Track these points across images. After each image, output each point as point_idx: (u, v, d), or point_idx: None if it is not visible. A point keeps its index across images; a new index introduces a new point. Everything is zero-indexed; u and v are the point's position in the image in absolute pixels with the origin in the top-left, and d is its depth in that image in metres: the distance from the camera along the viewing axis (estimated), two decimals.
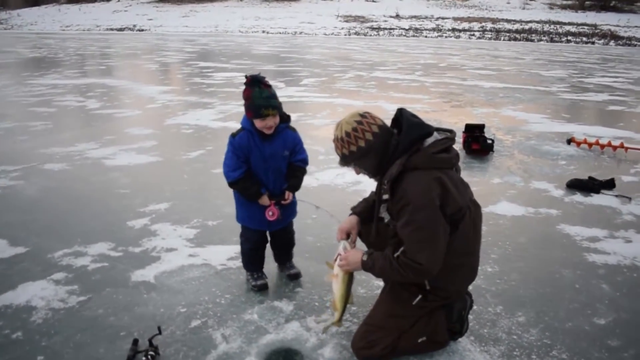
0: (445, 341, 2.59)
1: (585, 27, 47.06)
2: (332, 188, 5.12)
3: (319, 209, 3.25)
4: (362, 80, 13.88)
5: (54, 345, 2.61)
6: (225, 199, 4.59)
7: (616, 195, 4.98)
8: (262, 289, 3.12)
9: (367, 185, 5.09)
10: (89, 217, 4.24)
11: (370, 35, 45.87)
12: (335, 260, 2.62)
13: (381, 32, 48.18)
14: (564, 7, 48.04)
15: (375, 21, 53.78)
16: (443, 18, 55.31)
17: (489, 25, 49.38)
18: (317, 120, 8.42)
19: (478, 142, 6.58)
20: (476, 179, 5.50)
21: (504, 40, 42.99)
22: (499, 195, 4.98)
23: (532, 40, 42.42)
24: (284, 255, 3.36)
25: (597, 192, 5.08)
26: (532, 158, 6.42)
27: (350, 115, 2.39)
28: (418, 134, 2.32)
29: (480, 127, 6.83)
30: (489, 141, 6.56)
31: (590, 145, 6.86)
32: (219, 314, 2.88)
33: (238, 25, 51.77)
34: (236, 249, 3.64)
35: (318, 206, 3.26)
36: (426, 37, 45.69)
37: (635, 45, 38.91)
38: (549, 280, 3.36)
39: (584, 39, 42.60)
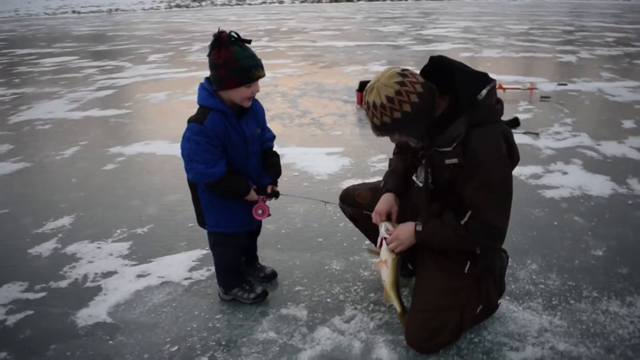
0: (497, 304, 2.36)
1: None
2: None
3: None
4: None
5: None
6: (141, 198, 3.86)
7: (524, 133, 5.19)
8: (264, 297, 2.56)
9: (310, 161, 4.64)
10: None
11: (194, 7, 43.78)
12: (380, 245, 2.21)
13: (204, 3, 46.33)
14: None
15: None
16: None
17: None
18: (192, 97, 7.57)
19: None
20: None
21: (326, 2, 44.17)
22: None
23: (352, 0, 44.20)
24: (253, 255, 2.82)
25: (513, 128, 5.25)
26: None
27: (388, 76, 1.94)
28: (479, 86, 1.97)
29: None
30: None
31: None
32: (224, 342, 2.28)
33: (42, 7, 45.64)
34: (191, 255, 3.05)
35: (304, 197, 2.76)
36: (250, 4, 45.09)
37: None
38: (528, 223, 3.31)
39: None
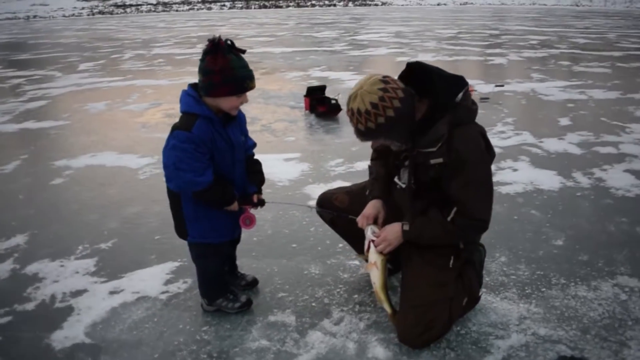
0: (479, 295, 2.46)
1: None
2: None
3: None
4: (147, 59, 12.65)
5: None
6: (99, 212, 3.72)
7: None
8: (248, 305, 2.52)
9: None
10: None
11: (118, 14, 42.31)
12: (368, 248, 2.24)
13: (128, 10, 44.90)
14: None
15: None
16: None
17: None
18: (134, 106, 7.33)
19: (324, 103, 6.52)
20: (347, 139, 5.44)
21: (254, 8, 44.05)
22: None
23: (280, 7, 44.35)
24: (234, 263, 2.78)
25: None
26: None
27: (370, 83, 2.01)
28: (457, 89, 2.07)
29: (322, 89, 6.79)
30: (333, 101, 6.54)
31: None
32: (216, 354, 2.22)
33: None
34: (164, 268, 2.96)
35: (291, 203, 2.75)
36: (177, 11, 44.19)
37: (369, 5, 43.73)
38: (492, 218, 3.45)
39: (326, 2, 46.23)
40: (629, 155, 4.68)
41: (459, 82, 2.08)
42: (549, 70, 9.46)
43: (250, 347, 2.26)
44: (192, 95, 2.19)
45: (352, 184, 2.80)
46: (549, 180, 4.11)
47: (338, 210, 2.58)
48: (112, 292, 2.73)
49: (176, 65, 11.54)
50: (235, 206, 2.32)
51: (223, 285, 2.53)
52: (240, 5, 45.28)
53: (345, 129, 5.87)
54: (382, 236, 2.24)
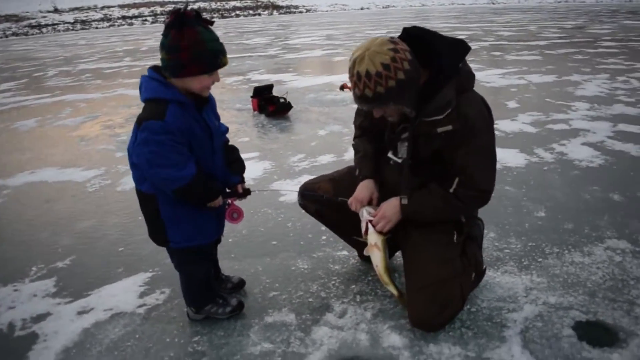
0: (484, 269, 2.37)
1: (249, 1, 50.85)
2: None
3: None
4: (74, 75, 11.94)
5: None
6: (49, 230, 3.42)
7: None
8: (240, 308, 2.29)
9: None
10: None
11: (34, 34, 40.08)
12: (366, 230, 2.08)
13: (44, 30, 42.67)
14: None
15: (33, 18, 47.05)
16: (109, 7, 52.01)
17: (159, 9, 48.75)
18: (68, 121, 6.81)
19: (273, 103, 6.33)
20: (303, 135, 5.29)
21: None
22: (339, 143, 4.88)
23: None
24: (217, 265, 2.55)
25: None
26: (328, 107, 6.53)
27: (379, 43, 1.83)
28: (461, 54, 1.95)
29: (269, 88, 6.59)
30: (282, 99, 6.37)
31: None
32: None
33: None
34: (135, 280, 2.70)
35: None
36: (97, 28, 42.46)
37: (294, 12, 43.92)
38: None
39: (251, 11, 45.96)
40: (581, 130, 4.81)
41: (462, 47, 1.96)
42: (484, 61, 9.73)
43: (252, 353, 2.04)
44: (157, 79, 1.91)
45: (334, 171, 2.61)
46: (514, 158, 4.13)
47: (322, 200, 2.41)
48: (80, 312, 2.42)
49: (106, 78, 10.96)
50: (219, 201, 2.09)
51: (210, 291, 2.29)
52: (163, 20, 44.08)
53: (298, 126, 5.73)
54: (380, 214, 2.09)
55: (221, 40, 1.92)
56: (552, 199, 3.31)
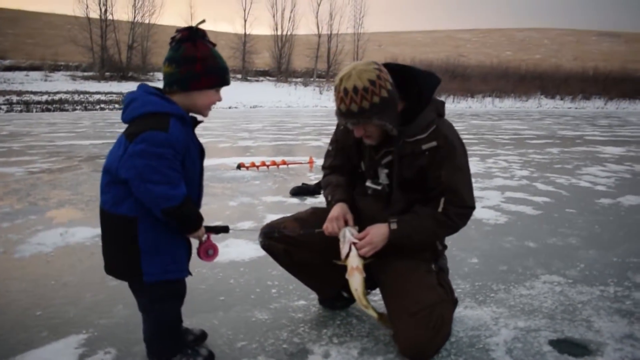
0: (457, 299, 2.41)
1: (114, 95, 49.84)
2: None
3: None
4: None
5: None
6: None
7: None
8: (212, 359, 2.06)
9: None
10: None
11: None
12: (348, 253, 2.04)
13: None
14: (86, 78, 49.64)
15: None
16: None
17: (15, 98, 45.69)
18: None
19: None
20: (215, 205, 5.12)
21: (36, 112, 40.53)
22: (254, 212, 4.81)
23: (66, 110, 41.62)
24: None
25: (318, 192, 5.56)
26: (230, 183, 6.45)
27: (364, 63, 1.99)
28: (437, 81, 2.15)
29: None
30: None
31: (257, 166, 7.39)
32: None
33: None
34: (67, 342, 2.36)
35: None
36: None
37: None
38: None
39: (117, 105, 44.92)
40: (476, 197, 5.29)
41: (435, 76, 2.16)
42: None
43: None
44: (154, 93, 1.83)
45: (296, 212, 2.56)
46: None
47: (289, 239, 2.34)
48: None
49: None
50: (203, 231, 1.94)
51: (180, 338, 2.04)
52: (20, 109, 41.20)
53: (205, 199, 5.54)
54: (366, 239, 2.09)
55: None
56: (479, 249, 3.54)
